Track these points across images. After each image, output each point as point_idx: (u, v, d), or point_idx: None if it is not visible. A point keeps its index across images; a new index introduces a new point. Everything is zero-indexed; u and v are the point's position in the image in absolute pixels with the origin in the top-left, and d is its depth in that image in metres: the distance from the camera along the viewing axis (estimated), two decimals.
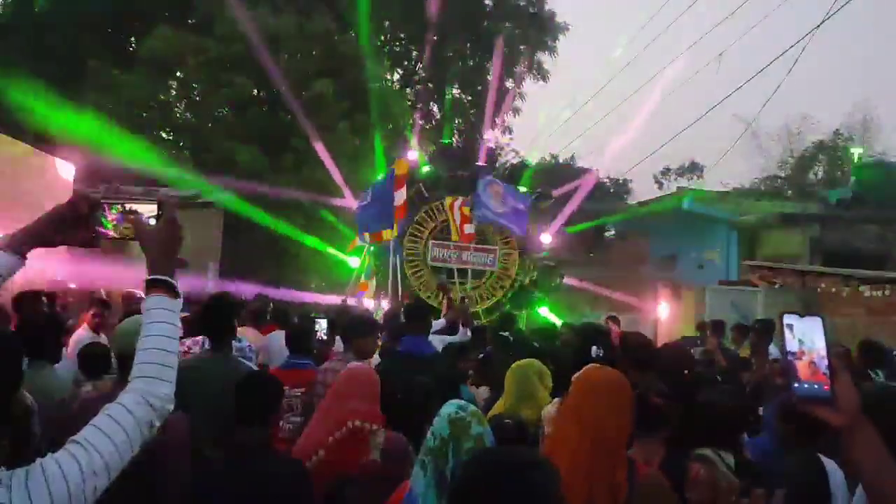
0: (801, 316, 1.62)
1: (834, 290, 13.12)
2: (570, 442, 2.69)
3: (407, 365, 4.61)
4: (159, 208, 1.98)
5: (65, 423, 2.79)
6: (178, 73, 19.19)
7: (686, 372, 4.39)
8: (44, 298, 5.87)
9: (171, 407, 1.75)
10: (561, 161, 31.35)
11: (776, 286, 14.55)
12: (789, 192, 27.02)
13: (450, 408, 2.59)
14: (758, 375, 7.11)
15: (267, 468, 3.08)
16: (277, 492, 3.02)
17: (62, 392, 4.03)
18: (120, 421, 1.65)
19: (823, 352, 1.57)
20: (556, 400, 3.98)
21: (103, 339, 5.93)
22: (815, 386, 1.55)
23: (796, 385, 1.57)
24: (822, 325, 1.60)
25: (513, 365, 4.53)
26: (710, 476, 3.07)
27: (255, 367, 4.95)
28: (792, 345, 1.59)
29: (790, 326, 1.60)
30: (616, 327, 9.53)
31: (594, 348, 3.96)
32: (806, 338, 1.58)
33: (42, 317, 5.06)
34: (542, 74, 25.19)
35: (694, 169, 34.59)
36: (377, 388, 3.84)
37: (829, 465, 3.47)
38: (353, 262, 13.30)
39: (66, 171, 10.94)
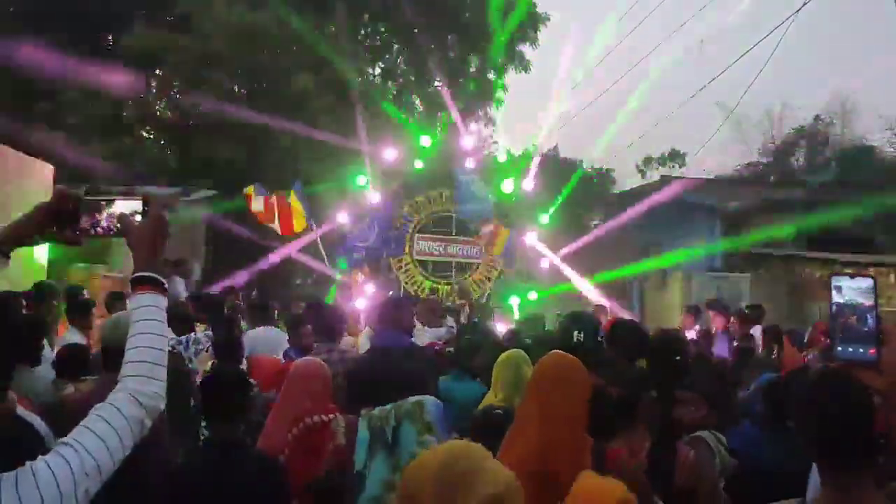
0: (852, 277, 1.56)
1: (818, 274, 13.21)
2: (527, 431, 2.68)
3: (382, 357, 4.60)
4: (144, 204, 1.95)
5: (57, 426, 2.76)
6: (157, 71, 18.99)
7: (678, 358, 4.40)
8: (23, 300, 5.80)
9: (162, 405, 1.74)
10: (544, 152, 31.39)
11: (761, 272, 14.62)
12: (772, 178, 27.15)
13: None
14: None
15: (241, 464, 3.07)
16: (251, 488, 3.00)
17: (43, 395, 3.98)
18: (111, 421, 1.63)
19: (873, 314, 1.51)
20: None
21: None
22: (861, 349, 1.50)
23: (839, 348, 1.53)
24: (874, 288, 1.53)
25: (501, 356, 4.53)
26: (696, 460, 3.08)
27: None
28: (839, 306, 1.53)
29: (838, 288, 1.55)
30: (604, 316, 9.58)
31: (575, 333, 3.99)
32: (855, 300, 1.53)
33: (20, 318, 4.98)
34: (523, 66, 25.13)
35: (676, 157, 34.72)
36: (327, 381, 3.87)
37: None
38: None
39: (44, 171, 10.81)
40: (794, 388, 3.88)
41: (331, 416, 3.64)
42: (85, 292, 7.39)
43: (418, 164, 12.91)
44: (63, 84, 17.31)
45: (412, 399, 2.68)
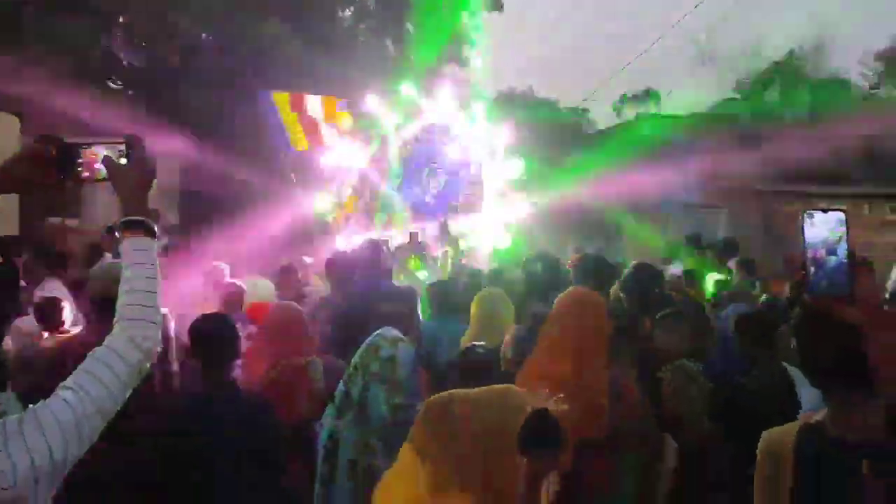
0: (825, 212, 1.60)
1: (793, 207, 13.36)
2: (548, 366, 2.70)
3: (367, 300, 4.63)
4: (128, 147, 1.91)
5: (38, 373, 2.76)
6: (121, 19, 18.49)
7: (657, 290, 4.49)
8: None
9: (160, 349, 1.77)
10: (519, 92, 31.26)
11: (736, 206, 14.75)
12: (746, 113, 27.18)
13: (371, 337, 2.69)
14: None
15: (233, 407, 3.09)
16: (244, 430, 3.03)
17: (25, 345, 3.96)
18: (110, 364, 1.65)
19: (844, 248, 1.55)
20: (517, 326, 4.03)
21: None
22: (834, 284, 1.55)
23: (814, 280, 1.57)
24: (845, 222, 1.57)
25: (478, 294, 4.56)
26: (680, 387, 3.16)
27: None
28: (812, 240, 1.57)
29: (811, 222, 1.58)
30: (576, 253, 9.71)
31: (535, 266, 4.16)
32: (827, 234, 1.57)
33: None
34: (497, 5, 24.76)
35: (650, 95, 34.71)
36: (304, 324, 3.90)
37: (795, 373, 3.56)
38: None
39: (10, 124, 10.60)
40: (763, 320, 4.02)
41: (308, 359, 3.66)
42: (56, 245, 7.34)
43: (396, 119, 12.59)
44: (26, 37, 16.82)
45: (384, 354, 2.67)
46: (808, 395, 3.26)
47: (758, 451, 1.98)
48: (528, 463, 1.59)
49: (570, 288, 3.01)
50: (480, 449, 1.61)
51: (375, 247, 5.75)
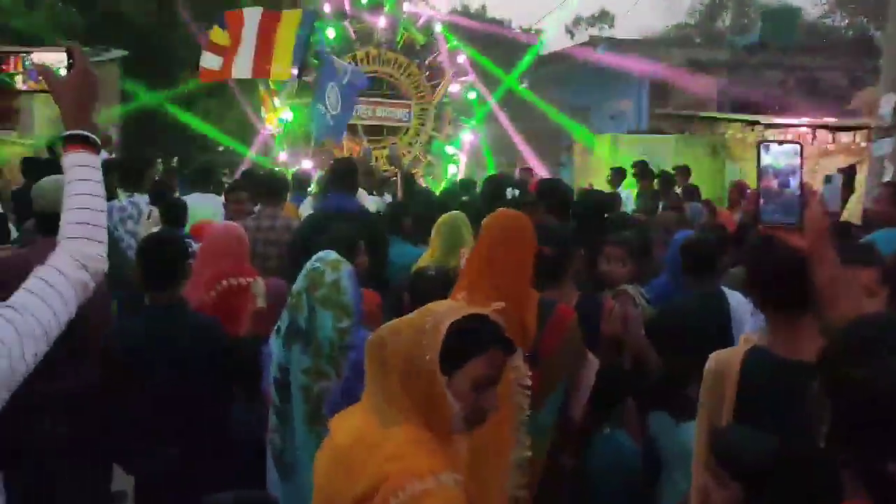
0: (780, 143, 1.64)
1: (740, 136, 13.54)
2: (478, 285, 2.73)
3: (331, 221, 4.55)
4: (69, 57, 1.80)
5: None
6: None
7: (605, 216, 4.53)
8: None
9: (105, 267, 1.71)
10: (472, 12, 30.66)
11: (685, 133, 14.88)
12: (698, 40, 27.18)
13: (310, 262, 2.71)
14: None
15: (183, 327, 3.08)
16: (195, 350, 3.02)
17: None
18: (54, 284, 1.60)
19: (797, 179, 1.60)
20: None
21: None
22: (785, 214, 1.60)
23: (765, 210, 1.63)
24: (800, 154, 1.61)
25: (441, 218, 4.56)
26: (622, 310, 3.24)
27: None
28: (766, 171, 1.62)
29: (766, 153, 1.62)
30: (530, 178, 9.73)
31: (509, 190, 4.07)
32: (781, 165, 1.61)
33: None
34: None
35: (605, 18, 34.44)
36: (245, 243, 3.89)
37: (733, 296, 3.67)
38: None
39: None
40: (704, 245, 4.09)
41: (250, 279, 3.64)
42: None
43: (331, 33, 12.09)
44: None
45: (329, 278, 2.65)
46: (748, 326, 3.35)
47: (705, 371, 2.05)
48: (463, 376, 1.58)
49: (499, 209, 3.02)
50: (404, 375, 1.59)
51: (352, 166, 5.51)
